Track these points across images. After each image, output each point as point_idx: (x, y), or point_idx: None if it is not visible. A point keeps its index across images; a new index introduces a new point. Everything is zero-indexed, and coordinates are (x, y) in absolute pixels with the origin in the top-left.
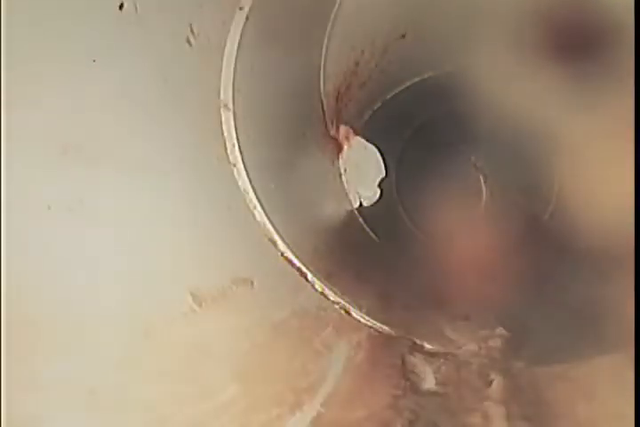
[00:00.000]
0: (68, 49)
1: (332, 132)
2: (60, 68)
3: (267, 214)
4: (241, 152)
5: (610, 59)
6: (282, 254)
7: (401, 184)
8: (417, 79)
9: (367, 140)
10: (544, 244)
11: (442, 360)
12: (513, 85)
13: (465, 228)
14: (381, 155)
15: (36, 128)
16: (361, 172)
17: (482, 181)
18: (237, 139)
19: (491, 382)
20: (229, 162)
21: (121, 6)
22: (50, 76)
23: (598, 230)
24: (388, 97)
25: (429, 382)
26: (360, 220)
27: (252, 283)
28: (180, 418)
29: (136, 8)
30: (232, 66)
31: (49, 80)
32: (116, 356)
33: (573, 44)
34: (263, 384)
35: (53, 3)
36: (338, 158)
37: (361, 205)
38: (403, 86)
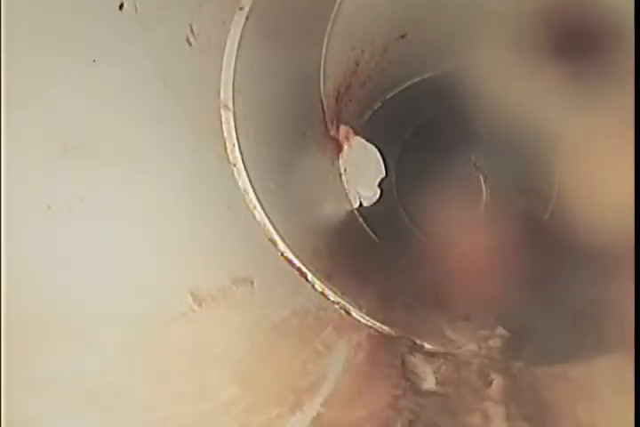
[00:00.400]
0: (68, 49)
1: (332, 132)
2: (60, 68)
3: (267, 214)
4: (241, 152)
5: (610, 59)
6: (282, 254)
7: (401, 184)
8: (417, 79)
9: (367, 140)
10: (544, 244)
11: (442, 360)
12: (513, 85)
13: (465, 228)
14: (381, 155)
15: (36, 128)
16: (361, 172)
17: (482, 181)
18: (237, 139)
19: (491, 382)
20: (229, 162)
21: (121, 6)
22: (50, 76)
23: (598, 230)
24: (388, 97)
25: (429, 382)
26: (360, 220)
27: (252, 283)
28: (180, 418)
29: (136, 8)
30: (232, 66)
31: (49, 80)
32: (115, 356)
33: (573, 44)
34: (263, 384)
35: (53, 3)
36: (338, 158)
37: (361, 205)
38: (403, 86)
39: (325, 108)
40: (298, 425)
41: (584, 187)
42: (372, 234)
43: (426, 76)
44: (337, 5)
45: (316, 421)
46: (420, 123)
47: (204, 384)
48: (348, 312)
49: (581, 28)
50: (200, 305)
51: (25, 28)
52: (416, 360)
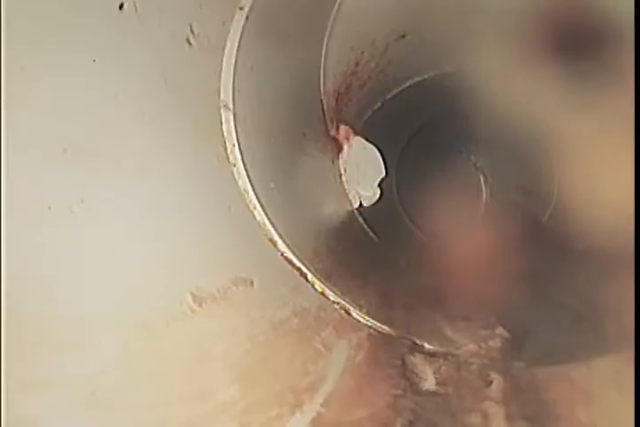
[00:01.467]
0: (68, 49)
1: (332, 132)
2: (61, 67)
3: (267, 214)
4: (241, 152)
5: (610, 59)
6: (282, 254)
7: (401, 184)
8: (417, 79)
9: (367, 140)
10: (544, 244)
11: (442, 360)
12: (513, 85)
13: (465, 227)
14: (381, 155)
15: (36, 128)
16: (361, 172)
17: (482, 181)
18: (237, 139)
19: (491, 382)
20: (229, 162)
21: (121, 6)
22: (50, 76)
23: (598, 230)
24: (388, 97)
25: (429, 382)
26: (360, 220)
27: (252, 283)
28: (180, 418)
29: (136, 8)
30: (232, 66)
31: (49, 80)
32: (115, 356)
33: (573, 44)
34: (263, 384)
35: (53, 3)
36: (338, 158)
37: (361, 205)
38: (403, 86)
39: (325, 108)
40: (298, 425)
41: (584, 187)
42: (371, 234)
43: (426, 76)
44: (337, 5)
45: (315, 421)
46: (420, 123)
47: (204, 384)
48: (348, 312)
49: (582, 27)
50: (200, 305)
51: (25, 27)
52: (416, 360)
